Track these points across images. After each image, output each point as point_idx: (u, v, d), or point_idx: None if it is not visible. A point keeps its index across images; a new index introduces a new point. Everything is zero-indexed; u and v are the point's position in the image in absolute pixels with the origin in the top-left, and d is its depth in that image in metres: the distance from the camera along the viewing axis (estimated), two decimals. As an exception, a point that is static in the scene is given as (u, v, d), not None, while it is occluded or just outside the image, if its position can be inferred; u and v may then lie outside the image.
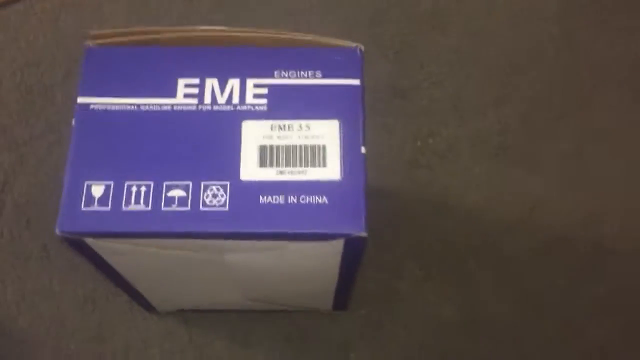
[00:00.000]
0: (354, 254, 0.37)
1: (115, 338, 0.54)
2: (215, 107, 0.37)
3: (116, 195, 0.35)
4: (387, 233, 0.58)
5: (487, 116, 0.63)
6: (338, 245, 0.36)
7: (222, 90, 0.37)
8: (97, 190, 0.35)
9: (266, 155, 0.36)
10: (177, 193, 0.35)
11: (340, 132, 0.36)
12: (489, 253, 0.58)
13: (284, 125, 0.36)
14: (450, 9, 0.67)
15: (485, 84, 0.64)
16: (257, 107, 0.37)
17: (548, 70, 0.65)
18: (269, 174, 0.35)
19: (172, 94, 0.37)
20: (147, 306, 0.53)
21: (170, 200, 0.35)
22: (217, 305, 0.53)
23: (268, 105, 0.37)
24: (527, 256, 0.57)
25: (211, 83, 0.37)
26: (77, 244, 0.35)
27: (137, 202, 0.34)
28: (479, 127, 0.62)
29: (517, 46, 0.66)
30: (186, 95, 0.37)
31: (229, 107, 0.37)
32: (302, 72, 0.38)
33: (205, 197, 0.35)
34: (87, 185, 0.35)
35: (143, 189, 0.35)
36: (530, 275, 0.57)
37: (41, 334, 0.54)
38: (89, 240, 0.35)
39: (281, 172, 0.35)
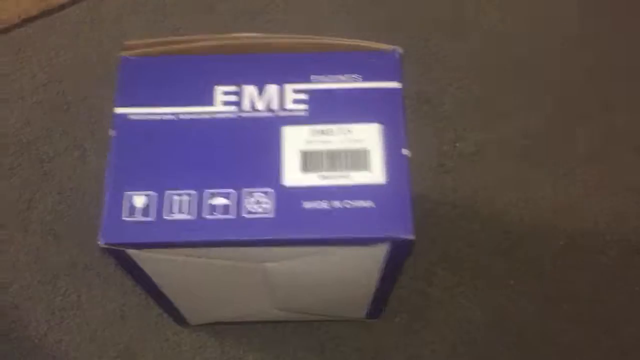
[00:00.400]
0: (398, 258, 0.37)
1: (146, 352, 0.53)
2: (255, 114, 0.36)
3: (158, 204, 0.34)
4: (416, 238, 0.57)
5: (511, 119, 0.62)
6: (383, 249, 0.35)
7: (261, 96, 0.37)
8: (139, 200, 0.34)
9: (309, 161, 0.35)
10: (220, 201, 0.34)
11: (382, 135, 0.36)
12: (519, 256, 0.57)
13: (325, 130, 0.36)
14: (471, 14, 0.67)
15: (509, 87, 0.64)
16: (296, 113, 0.36)
17: (570, 72, 0.64)
18: (313, 179, 0.35)
19: (210, 101, 0.37)
20: (179, 319, 0.52)
21: (213, 209, 0.34)
22: (249, 317, 0.52)
23: (308, 110, 0.37)
24: (556, 258, 0.57)
25: (249, 90, 0.37)
26: (118, 255, 0.35)
27: (180, 211, 0.34)
28: (504, 130, 0.62)
29: (539, 49, 0.65)
30: (224, 103, 0.37)
31: (268, 114, 0.36)
32: (340, 76, 0.37)
33: (248, 204, 0.34)
34: (129, 196, 0.34)
35: (185, 197, 0.34)
36: (560, 277, 0.56)
37: (71, 350, 0.53)
38: (131, 252, 0.35)
39: (325, 177, 0.35)
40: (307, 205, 0.34)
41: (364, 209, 0.34)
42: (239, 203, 0.34)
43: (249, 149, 0.36)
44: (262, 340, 0.54)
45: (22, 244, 0.57)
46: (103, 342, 0.54)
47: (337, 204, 0.34)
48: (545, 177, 0.60)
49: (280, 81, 0.37)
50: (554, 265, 0.56)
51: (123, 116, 0.36)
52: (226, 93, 0.37)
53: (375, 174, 0.35)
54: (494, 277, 0.56)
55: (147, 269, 0.38)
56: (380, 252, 0.36)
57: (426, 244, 0.57)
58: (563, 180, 0.60)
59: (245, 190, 0.34)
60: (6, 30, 0.67)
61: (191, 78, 0.37)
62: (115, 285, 0.55)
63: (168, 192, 0.34)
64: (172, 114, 0.36)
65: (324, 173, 0.35)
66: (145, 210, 0.34)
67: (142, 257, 0.36)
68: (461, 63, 0.65)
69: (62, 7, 0.68)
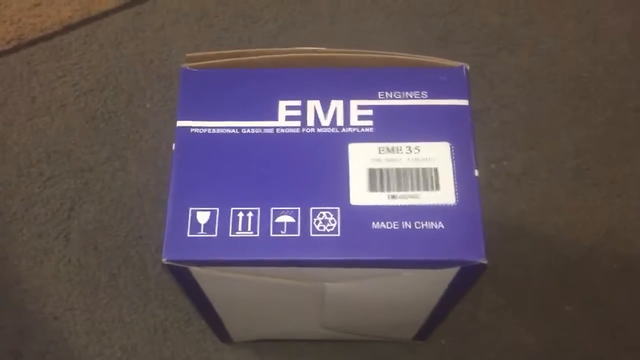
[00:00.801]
0: (466, 281, 0.36)
1: (188, 369, 0.52)
2: (319, 130, 0.35)
3: (223, 221, 0.33)
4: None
5: (560, 138, 0.61)
6: (452, 272, 0.34)
7: (325, 112, 0.36)
8: (203, 216, 0.33)
9: (376, 179, 0.34)
10: (285, 219, 0.33)
11: (451, 154, 0.35)
12: (569, 279, 0.55)
13: (393, 148, 0.35)
14: (518, 30, 0.66)
15: (557, 105, 0.62)
16: (363, 129, 0.35)
17: (620, 91, 0.63)
18: (381, 199, 0.34)
19: (274, 116, 0.36)
20: (222, 336, 0.51)
21: (279, 227, 0.33)
22: (294, 335, 0.51)
23: (374, 126, 0.35)
24: (609, 282, 0.55)
25: (313, 105, 0.36)
26: (181, 272, 0.34)
27: (244, 228, 0.33)
28: (553, 149, 0.60)
29: (588, 67, 0.64)
30: (288, 118, 0.36)
31: (333, 129, 0.35)
32: (407, 93, 0.36)
33: (315, 223, 0.33)
34: (192, 212, 0.33)
35: (250, 214, 0.33)
36: (613, 301, 0.55)
37: (111, 364, 0.53)
38: (194, 269, 0.34)
39: (393, 197, 0.34)
40: (375, 225, 0.33)
41: (434, 230, 0.33)
42: (305, 221, 0.33)
43: (314, 166, 0.35)
44: (304, 359, 0.53)
45: (62, 253, 0.56)
46: (144, 357, 0.53)
47: (405, 224, 0.33)
48: (599, 199, 0.58)
49: (345, 97, 0.36)
50: (609, 289, 0.55)
51: (185, 129, 0.35)
52: (289, 108, 0.36)
53: (445, 194, 0.34)
54: (544, 301, 0.55)
55: (205, 286, 0.37)
56: (448, 276, 0.34)
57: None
58: (616, 200, 0.58)
59: (312, 208, 0.33)
60: (48, 37, 0.66)
61: (254, 92, 0.36)
62: (157, 299, 0.54)
63: (233, 208, 0.33)
64: (235, 127, 0.35)
65: (393, 192, 0.34)
66: (209, 227, 0.33)
67: (202, 274, 0.35)
68: (507, 80, 0.63)
69: (104, 14, 0.67)
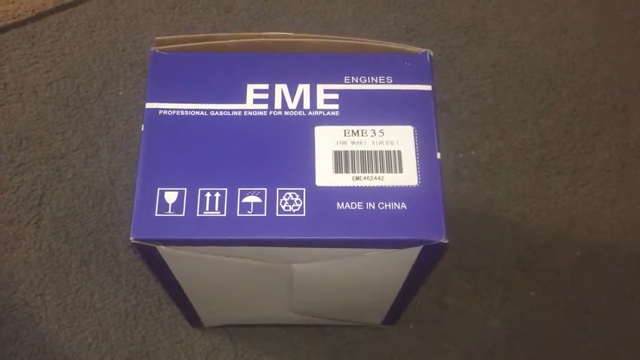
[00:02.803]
0: (428, 262, 0.37)
1: (159, 353, 0.53)
2: (287, 113, 0.36)
3: (190, 201, 0.34)
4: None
5: (527, 129, 0.62)
6: (415, 252, 0.35)
7: (293, 95, 0.37)
8: (171, 196, 0.34)
9: (341, 161, 0.35)
10: (252, 199, 0.34)
11: (415, 138, 0.36)
12: (534, 265, 0.57)
13: (358, 131, 0.36)
14: (487, 23, 0.67)
15: (524, 96, 0.64)
16: (329, 113, 0.36)
17: (588, 83, 0.64)
18: (345, 180, 0.34)
19: (242, 99, 0.36)
20: (193, 321, 0.51)
21: (245, 207, 0.34)
22: (265, 320, 0.52)
23: (340, 110, 0.36)
24: (573, 268, 0.57)
25: (281, 88, 0.37)
26: (147, 252, 0.34)
27: (211, 208, 0.34)
28: (520, 139, 0.62)
29: (556, 59, 0.66)
30: (256, 101, 0.36)
31: (300, 113, 0.36)
32: (372, 78, 0.37)
33: (281, 204, 0.34)
34: (160, 192, 0.34)
35: (217, 195, 0.34)
36: (577, 286, 0.56)
37: (82, 349, 0.53)
38: (161, 248, 0.34)
39: (357, 178, 0.35)
40: (340, 205, 0.34)
41: (397, 211, 0.34)
42: (271, 202, 0.34)
43: (281, 148, 0.35)
44: (276, 344, 0.54)
45: (33, 240, 0.56)
46: (115, 342, 0.53)
47: (369, 205, 0.34)
48: (563, 187, 0.60)
49: (312, 81, 0.37)
50: (572, 274, 0.56)
51: (154, 111, 0.36)
52: (257, 91, 0.37)
53: (408, 176, 0.35)
54: (510, 286, 0.56)
55: (173, 267, 0.37)
56: (411, 256, 0.35)
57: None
58: (580, 189, 0.60)
59: (278, 189, 0.34)
60: (21, 24, 0.66)
61: (222, 75, 0.37)
62: (128, 284, 0.55)
63: (201, 188, 0.34)
64: (203, 110, 0.36)
65: (357, 174, 0.35)
66: (177, 207, 0.34)
67: (171, 254, 0.35)
68: (476, 71, 0.65)
69: (77, 2, 0.67)
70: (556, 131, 0.62)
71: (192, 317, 0.50)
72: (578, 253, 0.57)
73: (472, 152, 0.61)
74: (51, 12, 0.67)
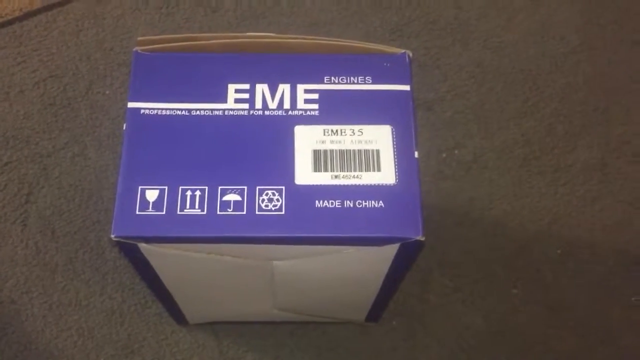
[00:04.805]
0: (406, 259, 0.37)
1: (144, 351, 0.53)
2: (267, 112, 0.37)
3: (171, 199, 0.34)
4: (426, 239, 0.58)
5: (510, 128, 0.63)
6: (392, 249, 0.36)
7: (273, 95, 0.37)
8: (152, 194, 0.34)
9: (320, 160, 0.35)
10: (232, 197, 0.34)
11: (393, 137, 0.36)
12: (516, 263, 0.58)
13: (337, 130, 0.36)
14: (471, 23, 0.68)
15: (508, 96, 0.65)
16: (309, 112, 0.37)
17: (570, 83, 0.65)
18: (324, 179, 0.35)
19: (223, 99, 0.37)
20: (178, 318, 0.52)
21: (225, 205, 0.34)
22: (248, 317, 0.53)
23: (319, 110, 0.37)
24: (553, 266, 0.58)
25: (261, 88, 0.37)
26: (129, 249, 0.35)
27: (192, 206, 0.34)
28: (503, 139, 0.62)
29: (539, 59, 0.66)
30: (237, 101, 0.37)
31: (280, 112, 0.37)
32: (352, 78, 0.38)
33: (261, 202, 0.34)
34: (142, 190, 0.34)
35: (198, 193, 0.34)
36: (557, 284, 0.57)
37: (68, 346, 0.53)
38: (142, 246, 0.35)
39: (336, 177, 0.35)
40: (319, 203, 0.34)
41: (374, 209, 0.34)
42: (251, 200, 0.34)
43: (261, 147, 0.36)
44: (260, 341, 0.54)
45: (20, 238, 0.57)
46: (101, 340, 0.53)
47: (348, 203, 0.35)
48: (544, 186, 0.60)
49: (293, 81, 0.38)
50: (554, 272, 0.57)
51: (136, 111, 0.36)
52: (238, 91, 0.37)
53: (386, 174, 0.35)
54: (492, 284, 0.57)
55: (155, 264, 0.38)
56: (389, 253, 0.36)
57: (424, 250, 0.58)
58: (562, 188, 0.60)
59: (258, 187, 0.35)
60: (8, 23, 0.66)
61: (204, 75, 0.38)
62: (114, 282, 0.55)
63: (181, 187, 0.34)
64: (185, 109, 0.37)
65: (336, 173, 0.35)
66: (158, 205, 0.34)
67: (152, 252, 0.36)
68: (460, 71, 0.65)
69: (65, 1, 0.68)
70: (539, 131, 0.63)
71: (176, 315, 0.51)
72: (559, 251, 0.58)
73: (456, 152, 0.62)
74: (38, 11, 0.67)
